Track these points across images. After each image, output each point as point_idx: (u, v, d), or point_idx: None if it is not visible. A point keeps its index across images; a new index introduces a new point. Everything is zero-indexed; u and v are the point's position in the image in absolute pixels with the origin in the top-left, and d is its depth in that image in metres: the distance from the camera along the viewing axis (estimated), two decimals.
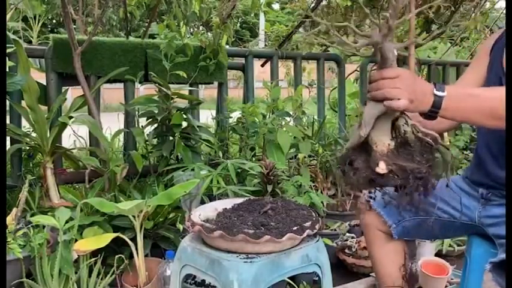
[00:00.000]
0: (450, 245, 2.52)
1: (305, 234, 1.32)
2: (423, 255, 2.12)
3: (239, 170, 2.28)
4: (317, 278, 1.46)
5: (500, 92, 1.09)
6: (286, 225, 1.34)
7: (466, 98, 1.10)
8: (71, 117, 2.26)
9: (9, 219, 1.90)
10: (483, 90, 1.16)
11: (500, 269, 1.11)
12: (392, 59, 1.02)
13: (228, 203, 1.55)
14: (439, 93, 1.07)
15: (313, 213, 1.46)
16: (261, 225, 1.33)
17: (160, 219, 2.09)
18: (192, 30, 3.39)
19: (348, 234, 2.45)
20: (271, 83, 2.77)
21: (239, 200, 1.57)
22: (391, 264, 1.58)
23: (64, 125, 2.30)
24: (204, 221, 1.40)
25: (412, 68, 2.47)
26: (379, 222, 1.55)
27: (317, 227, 1.37)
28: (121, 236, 1.81)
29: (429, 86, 1.09)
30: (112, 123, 3.23)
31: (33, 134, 2.39)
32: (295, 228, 1.32)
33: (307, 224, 1.36)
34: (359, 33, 1.05)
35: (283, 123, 2.72)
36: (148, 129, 2.57)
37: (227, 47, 3.27)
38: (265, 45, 5.94)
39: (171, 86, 2.47)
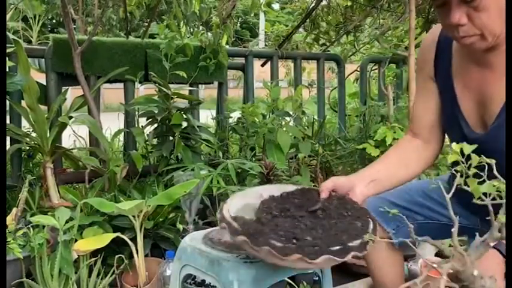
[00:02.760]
0: (450, 245, 2.51)
1: (348, 257, 1.02)
2: (423, 255, 2.12)
3: (239, 170, 2.28)
4: (317, 278, 1.46)
5: None
6: (327, 240, 1.05)
7: None
8: (70, 117, 2.26)
9: (9, 219, 1.90)
10: None
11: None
12: (474, 280, 0.88)
13: (275, 190, 1.32)
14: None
15: (371, 226, 1.15)
16: (294, 238, 1.06)
17: (160, 219, 2.09)
18: (192, 30, 3.38)
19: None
20: (271, 83, 2.77)
21: (290, 188, 1.33)
22: (390, 273, 1.52)
23: (64, 125, 2.30)
24: (237, 212, 1.20)
25: (412, 68, 2.47)
26: (378, 230, 1.47)
27: (368, 247, 1.05)
28: (121, 236, 1.81)
29: (498, 257, 1.04)
30: (112, 123, 3.23)
31: (33, 134, 2.38)
32: (336, 248, 1.02)
33: (355, 243, 1.05)
34: None
35: (283, 123, 2.72)
36: (148, 129, 2.57)
37: (227, 47, 3.27)
38: (265, 45, 5.94)
39: (171, 86, 2.47)
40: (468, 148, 0.82)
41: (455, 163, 0.81)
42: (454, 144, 0.83)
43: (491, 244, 0.87)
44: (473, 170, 0.79)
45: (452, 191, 0.83)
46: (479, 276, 0.90)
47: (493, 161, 0.80)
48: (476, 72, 1.23)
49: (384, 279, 1.54)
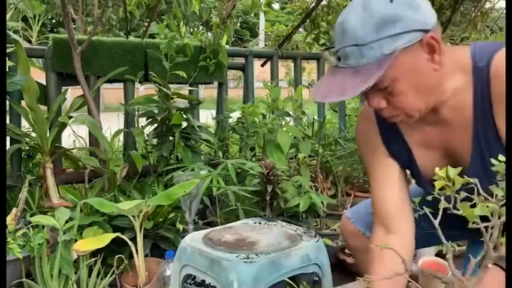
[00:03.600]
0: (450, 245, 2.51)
1: None
2: (423, 255, 2.12)
3: (239, 170, 2.28)
4: (317, 278, 1.46)
5: None
6: None
7: None
8: (70, 117, 2.26)
9: (9, 219, 1.90)
10: None
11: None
12: None
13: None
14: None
15: None
16: None
17: (160, 219, 2.08)
18: (192, 30, 3.38)
19: None
20: (271, 83, 2.77)
21: None
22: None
23: (64, 125, 2.29)
24: None
25: None
26: (367, 242, 1.35)
27: None
28: (121, 236, 1.81)
29: (501, 275, 1.01)
30: (112, 123, 3.23)
31: (33, 134, 2.38)
32: None
33: None
34: None
35: (283, 123, 2.72)
36: (148, 129, 2.57)
37: (227, 47, 3.27)
38: (265, 45, 5.94)
39: (171, 86, 2.47)
40: (454, 171, 0.84)
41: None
42: (437, 169, 0.84)
43: (489, 266, 0.86)
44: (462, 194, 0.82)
45: (439, 218, 0.85)
46: None
47: (476, 180, 0.81)
48: (431, 130, 1.21)
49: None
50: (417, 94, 1.08)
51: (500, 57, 1.08)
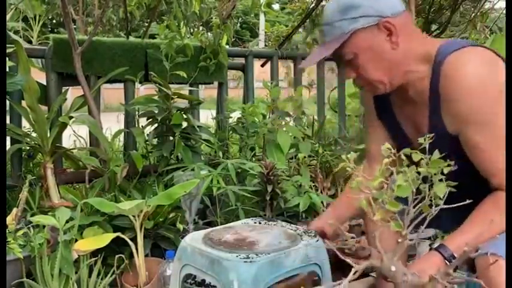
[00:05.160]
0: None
1: None
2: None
3: (239, 170, 2.28)
4: (317, 278, 1.47)
5: (492, 215, 1.14)
6: None
7: (474, 241, 1.11)
8: (71, 117, 2.26)
9: (10, 219, 1.90)
10: (481, 226, 1.15)
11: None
12: (394, 275, 1.02)
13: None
14: (450, 259, 1.14)
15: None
16: None
17: (161, 219, 2.09)
18: (192, 30, 3.39)
19: (348, 234, 2.45)
20: (271, 83, 2.77)
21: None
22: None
23: (64, 125, 2.30)
24: None
25: None
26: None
27: None
28: (121, 236, 1.81)
29: (437, 258, 1.15)
30: (112, 123, 3.23)
31: (33, 134, 2.39)
32: None
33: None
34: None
35: (283, 123, 2.72)
36: (148, 129, 2.57)
37: (227, 47, 3.27)
38: (265, 45, 5.94)
39: (171, 86, 2.47)
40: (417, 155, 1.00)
41: None
42: (385, 146, 1.01)
43: (399, 240, 1.02)
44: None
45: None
46: (400, 271, 1.02)
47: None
48: (407, 106, 1.40)
49: None
50: (376, 68, 1.30)
51: (456, 56, 1.21)
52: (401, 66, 1.30)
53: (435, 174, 0.96)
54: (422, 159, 0.97)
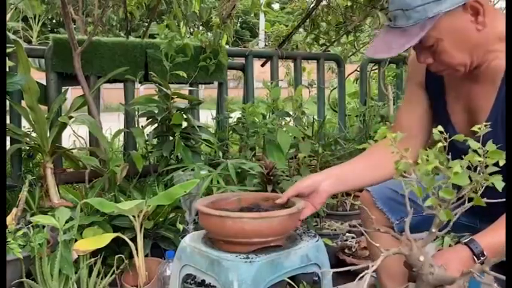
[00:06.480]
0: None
1: None
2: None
3: (239, 170, 2.27)
4: (317, 278, 1.46)
5: None
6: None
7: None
8: (71, 117, 2.26)
9: (9, 219, 1.90)
10: None
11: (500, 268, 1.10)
12: (421, 265, 1.00)
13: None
14: (479, 256, 1.09)
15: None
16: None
17: (160, 219, 2.09)
18: (192, 30, 3.39)
19: (348, 234, 2.45)
20: (271, 83, 2.77)
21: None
22: (394, 265, 1.53)
23: (64, 125, 2.30)
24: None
25: None
26: (382, 219, 1.50)
27: None
28: (121, 236, 1.81)
29: (466, 253, 1.10)
30: (112, 123, 3.23)
31: (33, 134, 2.39)
32: None
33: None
34: None
35: (283, 123, 2.72)
36: (148, 129, 2.57)
37: (227, 47, 3.27)
38: (265, 45, 5.95)
39: (171, 86, 2.47)
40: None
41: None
42: (438, 129, 0.94)
43: (434, 231, 0.98)
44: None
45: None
46: (427, 262, 0.99)
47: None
48: (466, 85, 1.30)
49: (388, 269, 1.52)
50: (460, 52, 1.19)
51: None
52: (484, 46, 1.21)
53: (487, 166, 0.90)
54: (476, 149, 0.91)
